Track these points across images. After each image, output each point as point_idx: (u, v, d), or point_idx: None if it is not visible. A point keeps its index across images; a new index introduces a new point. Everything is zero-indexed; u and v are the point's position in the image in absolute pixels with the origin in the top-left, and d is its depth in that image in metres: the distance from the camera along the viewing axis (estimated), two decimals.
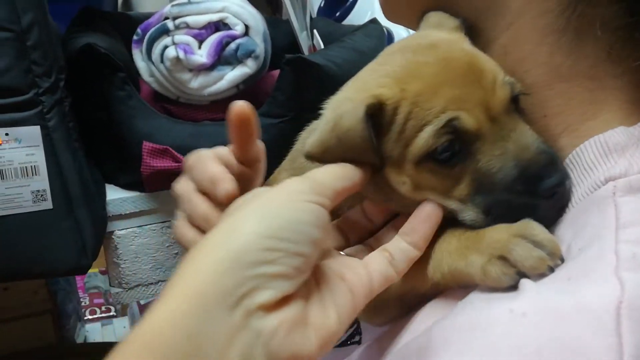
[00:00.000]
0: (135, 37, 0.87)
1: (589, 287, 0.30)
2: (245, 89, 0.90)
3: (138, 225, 0.94)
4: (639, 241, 0.31)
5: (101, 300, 2.20)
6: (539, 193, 0.35)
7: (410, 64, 0.39)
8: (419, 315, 0.39)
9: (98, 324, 2.07)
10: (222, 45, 0.85)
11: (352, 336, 0.47)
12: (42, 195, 0.77)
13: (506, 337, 0.30)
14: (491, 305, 0.32)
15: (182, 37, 0.84)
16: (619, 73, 0.38)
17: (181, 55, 0.84)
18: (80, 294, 2.12)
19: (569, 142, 0.38)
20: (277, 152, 0.89)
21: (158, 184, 0.87)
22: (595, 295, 0.29)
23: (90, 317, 2.11)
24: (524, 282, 0.33)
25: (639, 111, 0.38)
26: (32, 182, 0.77)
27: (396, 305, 0.42)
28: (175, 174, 0.83)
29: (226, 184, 0.41)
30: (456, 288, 0.37)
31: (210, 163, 0.44)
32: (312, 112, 0.94)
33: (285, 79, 0.85)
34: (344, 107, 0.40)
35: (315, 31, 1.05)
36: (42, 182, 0.77)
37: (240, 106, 0.44)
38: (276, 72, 0.95)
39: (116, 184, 0.92)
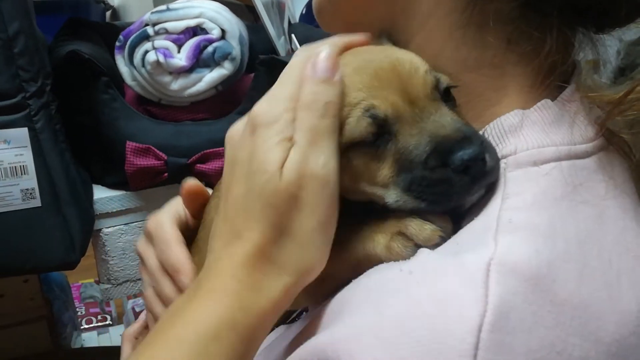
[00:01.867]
0: (117, 44, 0.92)
1: (470, 252, 0.33)
2: (223, 90, 0.95)
3: (124, 222, 0.99)
4: (517, 208, 0.35)
5: (97, 310, 2.23)
6: (451, 166, 0.36)
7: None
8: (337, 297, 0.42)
9: (94, 333, 2.09)
10: (199, 49, 0.90)
11: (300, 313, 0.51)
12: (31, 194, 0.82)
13: (396, 292, 0.33)
14: (387, 267, 0.36)
15: (161, 42, 0.89)
16: (518, 60, 0.41)
17: (161, 59, 0.89)
18: (77, 303, 2.15)
19: (478, 127, 0.41)
20: None
21: (142, 182, 0.91)
22: (473, 257, 0.33)
23: (86, 326, 2.13)
24: (421, 250, 0.36)
25: (537, 95, 0.42)
26: (21, 181, 0.81)
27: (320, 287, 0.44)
28: (157, 171, 0.88)
29: (186, 275, 0.49)
30: None
31: (173, 246, 0.52)
32: None
33: (260, 79, 0.90)
34: None
35: (293, 36, 1.10)
36: (30, 181, 0.81)
37: (189, 185, 0.55)
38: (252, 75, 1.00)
39: (103, 184, 0.97)
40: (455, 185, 0.36)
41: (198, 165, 0.90)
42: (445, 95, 0.40)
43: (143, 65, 0.90)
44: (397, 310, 0.32)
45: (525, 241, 0.33)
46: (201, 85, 0.92)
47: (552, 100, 0.41)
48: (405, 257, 0.36)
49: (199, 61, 0.91)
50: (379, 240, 0.38)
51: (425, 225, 0.36)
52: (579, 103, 0.40)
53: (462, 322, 0.30)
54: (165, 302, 0.52)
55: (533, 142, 0.38)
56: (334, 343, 0.33)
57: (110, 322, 2.13)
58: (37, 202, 0.82)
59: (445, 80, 0.40)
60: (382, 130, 0.38)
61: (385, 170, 0.39)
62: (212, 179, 0.92)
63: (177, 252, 0.51)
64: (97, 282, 2.28)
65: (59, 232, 0.85)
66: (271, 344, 0.49)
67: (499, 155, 0.39)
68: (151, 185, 0.93)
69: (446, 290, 0.32)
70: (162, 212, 0.59)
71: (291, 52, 1.13)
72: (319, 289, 0.42)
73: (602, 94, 0.40)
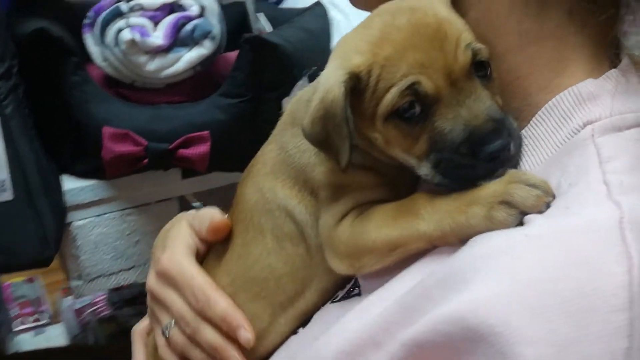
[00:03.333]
0: (86, 21, 0.85)
1: (588, 211, 0.34)
2: (202, 71, 0.91)
3: (97, 214, 0.92)
4: (624, 171, 0.36)
5: (30, 310, 2.10)
6: (480, 156, 0.39)
7: (386, 27, 0.42)
8: (412, 269, 0.43)
9: (30, 334, 1.97)
10: (178, 27, 0.85)
11: (351, 290, 0.50)
12: (2, 186, 0.74)
13: (527, 257, 0.34)
14: (506, 233, 0.36)
15: (137, 19, 0.84)
16: (581, 31, 0.43)
17: (137, 37, 0.83)
18: (9, 304, 2.02)
19: (543, 97, 0.43)
20: (237, 131, 0.91)
21: (120, 169, 0.86)
22: (597, 215, 0.34)
23: (21, 327, 2.01)
24: (529, 217, 0.37)
25: (601, 65, 0.43)
26: None
27: (382, 256, 0.45)
28: (137, 158, 0.83)
29: (246, 329, 0.50)
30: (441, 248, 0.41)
31: (214, 295, 0.52)
32: (271, 91, 0.96)
33: (244, 58, 0.87)
34: (329, 84, 0.43)
35: (262, 14, 1.07)
36: (1, 172, 0.74)
37: (217, 222, 0.55)
38: (229, 54, 0.96)
39: (72, 173, 0.90)
40: (479, 170, 0.40)
41: (181, 150, 0.85)
42: (481, 68, 0.41)
43: (116, 45, 0.84)
44: (534, 274, 0.33)
45: None
46: (180, 66, 0.87)
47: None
48: (511, 225, 0.37)
49: (177, 40, 0.86)
50: (475, 212, 0.38)
51: (532, 191, 0.37)
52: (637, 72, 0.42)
53: (610, 279, 0.31)
54: (206, 347, 0.52)
55: (614, 109, 0.40)
56: (473, 310, 0.32)
57: (47, 321, 2.02)
58: (8, 196, 0.75)
59: (484, 54, 0.41)
60: (422, 107, 0.40)
61: (419, 145, 0.42)
62: (195, 165, 0.89)
63: (223, 304, 0.51)
64: (29, 281, 2.15)
65: (32, 227, 0.79)
66: (325, 321, 0.48)
67: (582, 121, 0.40)
68: (127, 173, 0.88)
69: (582, 251, 0.33)
70: (176, 249, 0.57)
71: (259, 32, 1.10)
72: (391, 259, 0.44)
73: None
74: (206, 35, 0.87)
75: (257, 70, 0.87)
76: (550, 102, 0.42)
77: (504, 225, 0.37)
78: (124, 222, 0.96)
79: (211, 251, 0.57)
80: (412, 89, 0.40)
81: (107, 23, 0.84)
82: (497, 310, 0.32)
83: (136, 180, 0.92)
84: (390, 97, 0.41)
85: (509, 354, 0.30)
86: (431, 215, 0.40)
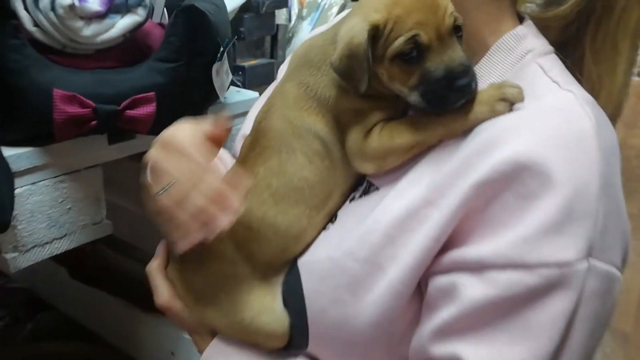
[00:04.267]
0: None
1: (554, 96, 0.57)
2: (130, 37, 0.96)
3: (32, 182, 0.92)
4: (561, 75, 0.60)
5: None
6: (453, 88, 0.57)
7: None
8: (425, 160, 0.61)
9: None
10: None
11: (367, 188, 0.67)
12: None
13: (536, 122, 0.55)
14: (511, 115, 0.56)
15: None
16: None
17: (76, 2, 0.85)
18: None
19: (493, 39, 0.64)
20: (173, 94, 0.99)
21: (69, 131, 0.87)
22: (561, 97, 0.57)
23: None
24: (516, 106, 0.57)
25: (515, 18, 0.66)
26: None
27: (403, 155, 0.63)
28: (85, 120, 0.87)
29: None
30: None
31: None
32: (200, 57, 1.06)
33: (179, 25, 0.95)
34: (355, 30, 0.59)
35: None
36: None
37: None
38: (151, 23, 1.02)
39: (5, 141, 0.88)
40: (450, 99, 0.59)
41: (128, 111, 0.90)
42: (458, 30, 0.61)
43: (52, 9, 0.85)
44: (547, 131, 0.54)
45: (580, 90, 0.58)
46: (114, 32, 0.91)
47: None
48: (505, 113, 0.57)
49: (112, 7, 0.90)
50: (481, 109, 0.58)
51: (516, 89, 0.58)
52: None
53: (585, 125, 0.54)
54: (205, 201, 0.58)
55: (538, 43, 0.63)
56: (518, 152, 0.52)
57: None
58: None
59: (460, 20, 0.60)
60: (418, 52, 0.58)
61: (412, 80, 0.60)
62: (139, 126, 0.94)
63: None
64: None
65: None
66: (356, 213, 0.64)
67: (524, 50, 0.62)
68: (75, 136, 0.89)
69: (565, 115, 0.55)
70: (182, 126, 0.66)
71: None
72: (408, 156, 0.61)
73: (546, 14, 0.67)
74: (140, 3, 0.92)
75: (190, 37, 0.96)
76: (498, 42, 0.64)
77: (502, 113, 0.57)
78: (57, 190, 0.96)
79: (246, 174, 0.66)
80: (413, 39, 0.57)
81: None
82: (536, 149, 0.52)
83: (67, 146, 0.93)
84: (397, 44, 0.58)
85: (545, 174, 0.50)
86: (447, 121, 0.60)
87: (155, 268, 0.73)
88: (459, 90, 0.57)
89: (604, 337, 0.57)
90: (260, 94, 1.00)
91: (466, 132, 0.59)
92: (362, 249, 0.58)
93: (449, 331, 0.53)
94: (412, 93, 0.59)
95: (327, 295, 0.60)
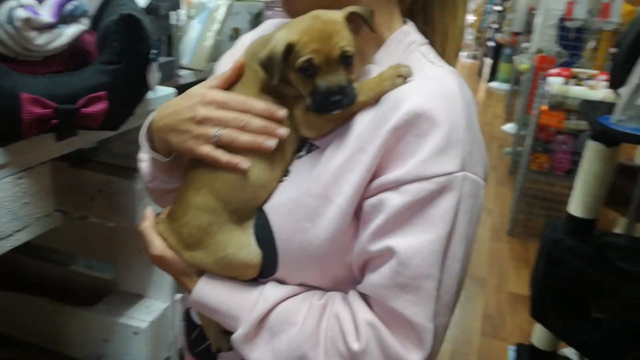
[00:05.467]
0: None
1: (433, 70, 0.80)
2: (73, 44, 1.08)
3: None
4: (434, 58, 0.83)
5: None
6: (329, 101, 0.72)
7: (308, 25, 0.76)
8: (351, 122, 0.76)
9: None
10: (62, 6, 1.02)
11: (309, 148, 0.80)
12: None
13: (426, 86, 0.74)
14: (406, 85, 0.73)
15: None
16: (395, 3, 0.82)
17: (31, 15, 0.97)
18: None
19: (388, 35, 0.85)
20: (118, 90, 1.13)
21: (35, 130, 0.98)
22: (439, 70, 0.79)
23: None
24: (408, 79, 0.78)
25: (400, 19, 0.82)
26: None
27: (336, 122, 0.83)
28: (48, 119, 0.99)
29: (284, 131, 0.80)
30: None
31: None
32: (138, 57, 1.21)
33: (120, 32, 1.09)
34: (278, 42, 0.77)
35: None
36: None
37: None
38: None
39: None
40: (328, 107, 0.73)
41: (83, 109, 1.03)
42: (347, 58, 0.73)
43: (9, 22, 0.95)
44: (436, 90, 0.74)
45: (447, 65, 0.83)
46: (63, 39, 1.03)
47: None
48: (402, 84, 0.75)
49: (60, 17, 1.02)
50: (386, 83, 0.78)
51: (407, 68, 0.79)
52: None
53: (453, 86, 0.74)
54: (256, 130, 0.77)
55: (418, 37, 0.87)
56: (414, 105, 0.70)
57: None
58: None
59: (351, 52, 0.73)
60: (311, 70, 0.73)
61: (307, 88, 0.74)
62: (92, 122, 1.07)
63: (261, 103, 0.80)
64: None
65: None
66: (305, 166, 0.79)
67: (409, 42, 0.85)
68: (38, 134, 1.00)
69: (443, 81, 0.78)
70: (210, 84, 0.83)
71: None
72: (339, 122, 0.81)
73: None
74: (85, 13, 1.05)
75: (129, 42, 1.11)
76: (392, 36, 0.86)
77: (401, 85, 0.77)
78: (16, 186, 1.05)
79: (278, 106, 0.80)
80: (309, 60, 0.71)
81: None
82: (425, 103, 0.73)
83: (23, 145, 1.04)
84: (299, 61, 0.72)
85: (432, 119, 0.72)
86: (366, 93, 0.83)
87: (147, 226, 0.86)
88: (334, 103, 0.73)
89: (465, 282, 0.79)
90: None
91: (378, 99, 0.79)
92: (316, 188, 0.75)
93: (381, 232, 0.71)
94: (308, 97, 0.75)
95: (291, 226, 0.76)
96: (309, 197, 0.76)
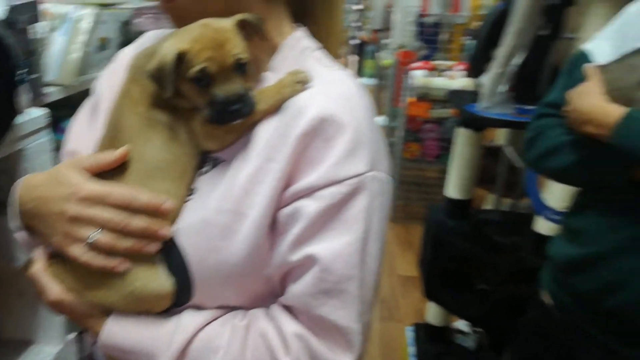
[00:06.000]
0: None
1: (330, 74, 0.80)
2: None
3: None
4: (328, 62, 0.83)
5: None
6: (227, 111, 0.69)
7: (199, 33, 0.72)
8: (255, 132, 0.74)
9: None
10: None
11: (214, 163, 0.76)
12: None
13: (327, 91, 0.74)
14: (307, 91, 0.73)
15: None
16: (283, 7, 0.82)
17: None
18: None
19: (280, 41, 0.82)
20: None
21: None
22: (336, 74, 0.76)
23: None
24: (307, 86, 0.73)
25: (291, 24, 0.82)
26: None
27: (239, 133, 0.76)
28: None
29: (172, 205, 0.75)
30: None
31: None
32: (5, 79, 1.10)
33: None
34: (168, 51, 0.72)
35: None
36: None
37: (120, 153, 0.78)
38: None
39: None
40: (227, 117, 0.71)
41: None
42: (242, 66, 0.71)
43: None
44: (337, 94, 0.73)
45: (342, 68, 0.84)
46: None
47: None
48: (302, 90, 0.74)
49: None
50: (286, 90, 0.76)
51: (305, 74, 0.75)
52: None
53: (352, 89, 0.76)
54: (138, 233, 0.72)
55: (310, 42, 0.86)
56: (320, 110, 0.70)
57: None
58: None
59: (245, 59, 0.71)
60: (206, 80, 0.70)
61: (203, 99, 0.71)
62: None
63: (144, 194, 0.74)
64: None
65: None
66: (210, 183, 0.75)
67: (303, 47, 0.84)
68: None
69: (343, 84, 0.76)
70: (83, 180, 0.75)
71: None
72: (243, 133, 0.75)
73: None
74: None
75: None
76: (284, 42, 0.84)
77: (301, 91, 0.73)
78: None
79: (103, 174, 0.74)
80: (203, 69, 0.68)
81: None
82: (329, 107, 0.70)
83: None
84: (192, 71, 0.69)
85: (337, 122, 0.72)
86: (266, 101, 0.82)
87: (38, 269, 0.77)
88: (234, 113, 0.71)
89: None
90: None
91: (279, 107, 0.77)
92: (226, 203, 0.72)
93: (300, 241, 0.70)
94: (205, 108, 0.72)
95: (204, 246, 0.72)
96: (219, 214, 0.72)
